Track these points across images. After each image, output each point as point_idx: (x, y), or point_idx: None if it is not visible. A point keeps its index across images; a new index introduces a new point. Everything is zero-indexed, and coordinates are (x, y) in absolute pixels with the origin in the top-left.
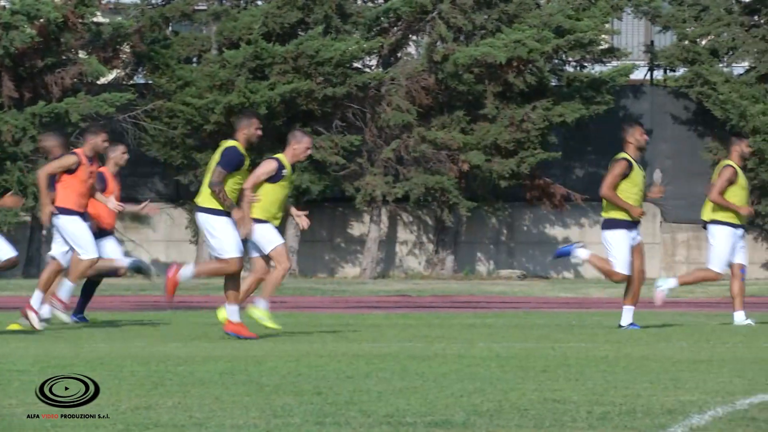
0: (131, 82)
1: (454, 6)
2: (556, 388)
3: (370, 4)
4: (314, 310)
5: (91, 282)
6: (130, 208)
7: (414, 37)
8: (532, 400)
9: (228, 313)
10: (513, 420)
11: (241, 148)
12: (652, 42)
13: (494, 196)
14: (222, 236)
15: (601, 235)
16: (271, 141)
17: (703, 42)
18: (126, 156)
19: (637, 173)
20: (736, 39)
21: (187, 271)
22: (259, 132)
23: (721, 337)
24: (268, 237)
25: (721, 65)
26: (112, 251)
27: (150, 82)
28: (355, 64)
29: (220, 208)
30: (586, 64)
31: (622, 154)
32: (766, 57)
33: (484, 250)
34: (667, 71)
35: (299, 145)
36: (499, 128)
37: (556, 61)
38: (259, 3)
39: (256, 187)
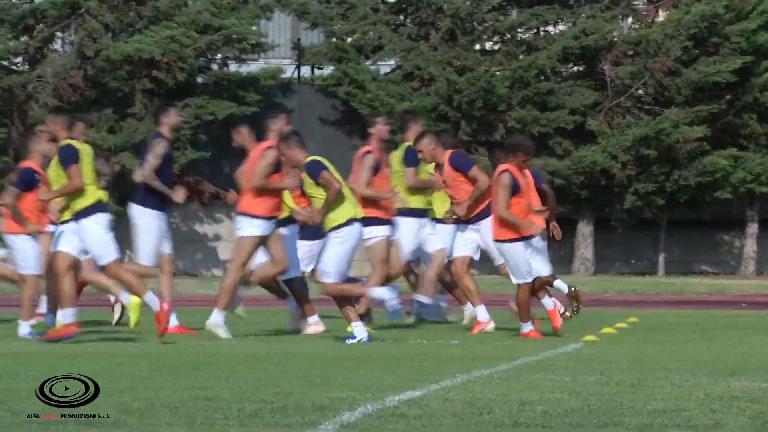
0: None
1: (102, 3)
2: (206, 386)
3: (15, 0)
4: None
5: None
6: None
7: (61, 34)
8: (183, 398)
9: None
10: (164, 418)
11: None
12: (299, 39)
13: None
14: None
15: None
16: None
17: (350, 40)
18: None
19: None
20: (382, 38)
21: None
22: None
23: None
24: None
25: (368, 63)
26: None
27: None
28: (2, 62)
29: None
30: (232, 61)
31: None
32: (411, 56)
33: None
34: (315, 69)
35: None
36: (149, 126)
37: (204, 59)
38: None
39: None
